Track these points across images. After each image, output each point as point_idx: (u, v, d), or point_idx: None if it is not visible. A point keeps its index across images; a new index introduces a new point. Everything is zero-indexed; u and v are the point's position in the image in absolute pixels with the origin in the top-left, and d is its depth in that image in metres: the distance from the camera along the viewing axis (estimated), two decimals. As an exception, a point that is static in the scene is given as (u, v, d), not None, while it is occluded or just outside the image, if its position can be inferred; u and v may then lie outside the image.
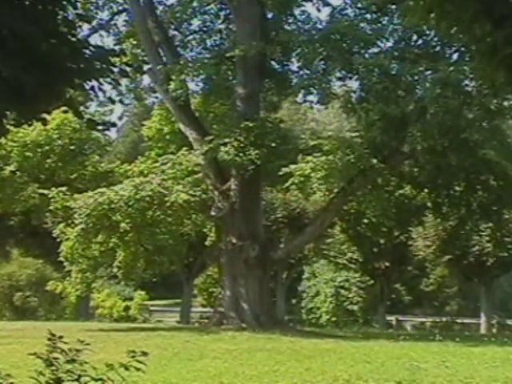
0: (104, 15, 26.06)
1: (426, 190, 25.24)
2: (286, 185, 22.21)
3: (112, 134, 61.12)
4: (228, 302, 22.75)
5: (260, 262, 22.55)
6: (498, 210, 25.68)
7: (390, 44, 22.78)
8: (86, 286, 25.48)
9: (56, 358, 5.43)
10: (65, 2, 4.97)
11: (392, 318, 35.63)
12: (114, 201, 21.37)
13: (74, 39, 5.09)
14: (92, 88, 5.21)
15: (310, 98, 23.41)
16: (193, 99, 25.11)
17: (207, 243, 27.95)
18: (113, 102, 29.43)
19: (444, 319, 35.75)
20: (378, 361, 13.77)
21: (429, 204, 26.03)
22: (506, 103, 21.03)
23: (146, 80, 27.54)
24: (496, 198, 24.55)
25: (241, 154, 21.07)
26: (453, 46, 21.21)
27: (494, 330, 32.56)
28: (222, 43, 25.57)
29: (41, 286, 33.43)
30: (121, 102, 29.08)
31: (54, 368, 5.40)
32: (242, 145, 21.17)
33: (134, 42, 25.13)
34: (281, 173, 21.31)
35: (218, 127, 23.46)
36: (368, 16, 23.30)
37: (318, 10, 24.82)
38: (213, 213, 23.27)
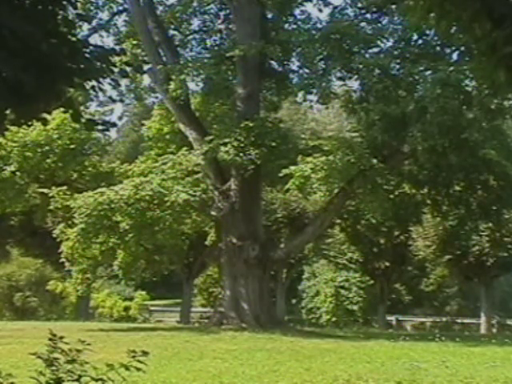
0: (104, 15, 26.11)
1: (425, 189, 25.25)
2: (287, 187, 22.22)
3: (112, 134, 61.12)
4: (228, 301, 22.76)
5: (260, 262, 22.56)
6: (497, 209, 25.68)
7: (390, 44, 22.83)
8: (86, 286, 25.49)
9: (56, 358, 5.43)
10: (65, 2, 4.97)
11: (392, 318, 35.62)
12: (114, 201, 21.37)
13: (73, 39, 5.09)
14: (92, 88, 5.21)
15: (310, 97, 23.45)
16: (193, 99, 25.12)
17: (207, 243, 27.95)
18: (113, 100, 29.49)
19: (444, 319, 35.74)
20: (378, 361, 13.78)
21: (428, 201, 26.04)
22: (506, 103, 21.03)
23: (146, 80, 27.54)
24: (496, 198, 24.54)
25: (241, 154, 21.08)
26: (453, 45, 21.22)
27: (494, 330, 32.55)
28: (222, 43, 25.59)
29: (41, 286, 33.43)
30: (121, 101, 29.11)
31: (54, 368, 5.40)
32: (241, 145, 21.18)
33: (134, 42, 25.14)
34: (281, 174, 21.31)
35: (217, 127, 23.46)
36: (368, 16, 23.34)
37: (320, 11, 24.75)
38: (213, 213, 23.28)
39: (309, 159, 21.12)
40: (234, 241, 22.59)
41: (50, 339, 5.58)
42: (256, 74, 22.98)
